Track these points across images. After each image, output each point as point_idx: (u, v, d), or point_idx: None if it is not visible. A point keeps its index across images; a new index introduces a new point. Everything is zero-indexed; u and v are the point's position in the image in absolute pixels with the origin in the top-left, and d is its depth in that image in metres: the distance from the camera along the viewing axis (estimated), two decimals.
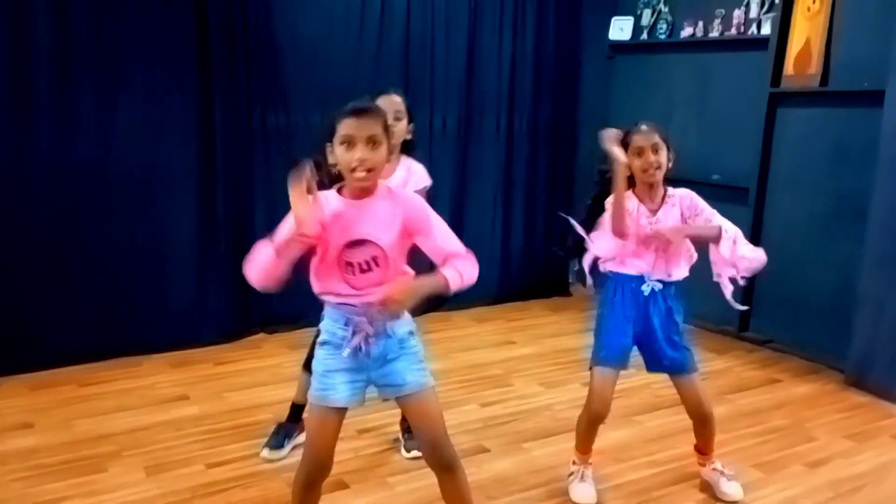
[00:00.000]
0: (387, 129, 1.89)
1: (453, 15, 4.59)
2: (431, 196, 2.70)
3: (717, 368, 3.94)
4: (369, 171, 1.83)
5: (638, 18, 5.03)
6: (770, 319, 4.35)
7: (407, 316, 1.98)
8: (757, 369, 3.96)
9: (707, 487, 2.68)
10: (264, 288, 1.90)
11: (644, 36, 4.99)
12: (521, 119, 4.96)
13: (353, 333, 1.90)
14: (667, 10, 4.87)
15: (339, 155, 1.85)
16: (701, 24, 4.64)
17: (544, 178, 5.14)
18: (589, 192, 2.66)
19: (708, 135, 4.70)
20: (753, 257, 2.50)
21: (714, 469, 2.69)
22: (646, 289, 2.48)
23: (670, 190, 2.56)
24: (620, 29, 5.12)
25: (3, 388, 3.37)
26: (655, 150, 2.44)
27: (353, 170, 1.83)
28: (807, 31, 4.08)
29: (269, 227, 4.44)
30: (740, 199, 4.37)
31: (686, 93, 4.82)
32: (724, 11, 4.52)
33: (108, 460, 2.77)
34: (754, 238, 4.30)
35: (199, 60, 3.85)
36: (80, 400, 3.31)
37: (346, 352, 1.90)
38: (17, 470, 2.68)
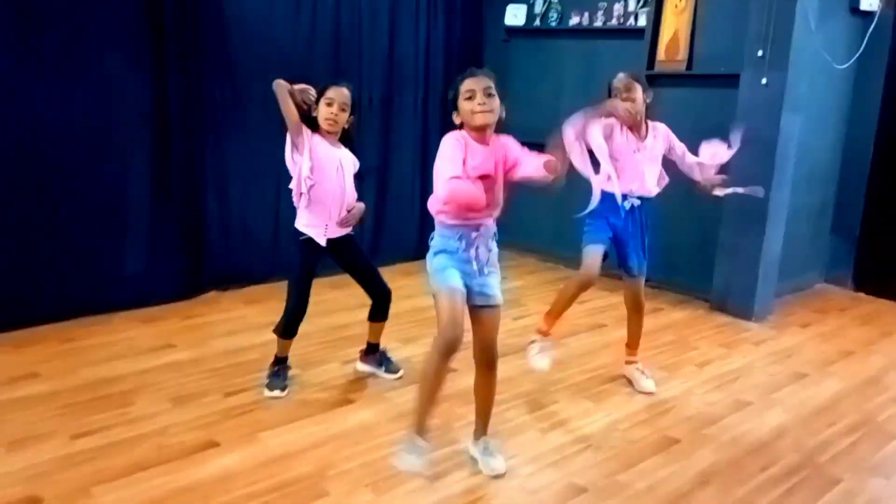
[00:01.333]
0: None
1: (376, 5, 5.10)
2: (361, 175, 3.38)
3: (612, 302, 4.76)
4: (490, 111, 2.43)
5: (531, 7, 5.73)
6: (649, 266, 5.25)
7: (493, 224, 2.54)
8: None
9: (629, 384, 3.46)
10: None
11: (537, 22, 5.72)
12: (434, 95, 5.54)
13: (467, 245, 2.45)
14: (556, 0, 5.61)
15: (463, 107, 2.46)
16: (587, 14, 5.42)
17: None
18: None
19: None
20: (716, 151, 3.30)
21: (637, 368, 3.46)
22: (626, 204, 3.21)
23: (651, 123, 3.29)
24: (514, 15, 5.81)
25: None
26: (628, 90, 3.19)
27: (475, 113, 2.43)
28: (675, 24, 4.96)
29: (217, 191, 4.83)
30: None
31: (574, 73, 5.59)
32: (606, 4, 5.32)
33: (132, 395, 3.11)
34: None
35: (153, 34, 4.11)
36: (72, 352, 3.55)
37: (473, 266, 2.46)
38: (49, 409, 2.96)
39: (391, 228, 5.47)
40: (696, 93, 4.93)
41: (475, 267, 2.49)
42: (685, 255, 5.04)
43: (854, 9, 5.00)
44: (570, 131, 2.71)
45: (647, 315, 4.47)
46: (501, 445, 2.76)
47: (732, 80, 4.57)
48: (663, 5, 5.01)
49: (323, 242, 3.13)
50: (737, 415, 3.20)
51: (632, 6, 5.20)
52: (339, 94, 3.09)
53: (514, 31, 5.88)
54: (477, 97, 2.42)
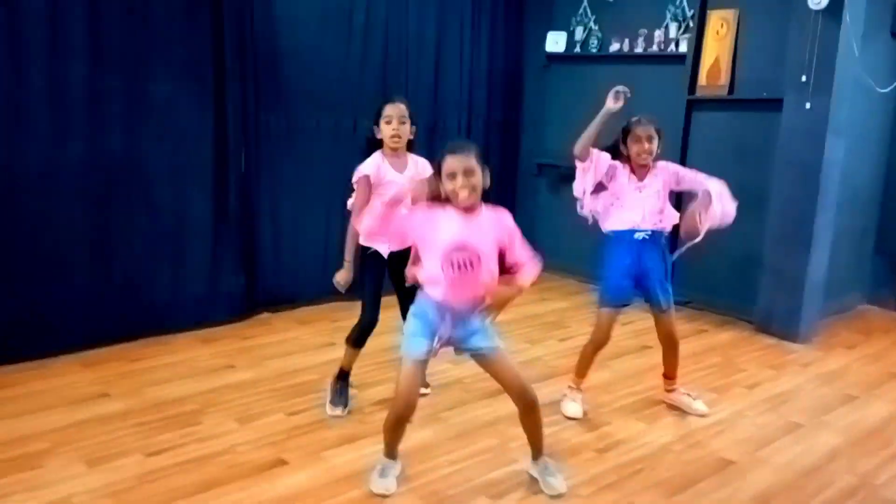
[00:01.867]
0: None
1: (423, 32, 5.25)
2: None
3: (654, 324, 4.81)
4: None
5: (571, 34, 5.85)
6: (688, 285, 5.29)
7: (482, 312, 2.52)
8: (686, 323, 4.86)
9: (676, 408, 3.50)
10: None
11: (577, 49, 5.83)
12: (477, 119, 5.68)
13: (440, 320, 2.50)
14: (597, 27, 5.73)
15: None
16: (627, 40, 5.52)
17: (497, 169, 5.86)
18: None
19: None
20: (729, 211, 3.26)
21: (681, 393, 3.51)
22: (638, 236, 3.24)
23: (656, 163, 3.32)
24: (555, 42, 5.93)
25: (58, 367, 3.69)
26: (650, 140, 3.21)
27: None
28: (716, 49, 5.04)
29: (271, 214, 4.95)
30: None
31: None
32: (646, 31, 5.42)
33: (199, 415, 3.23)
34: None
35: (215, 68, 4.28)
36: (138, 373, 3.69)
37: (435, 346, 2.52)
38: (122, 427, 3.09)
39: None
40: (737, 117, 5.01)
41: (443, 337, 2.53)
42: (727, 275, 5.09)
43: (895, 33, 5.05)
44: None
45: (692, 336, 4.60)
46: (560, 465, 2.83)
47: (774, 104, 4.64)
48: (705, 31, 5.10)
49: (385, 254, 3.20)
50: (789, 437, 3.24)
51: (673, 32, 5.29)
52: (396, 109, 3.19)
53: (554, 57, 6.00)
54: (458, 178, 2.41)
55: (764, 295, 4.75)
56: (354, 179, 3.21)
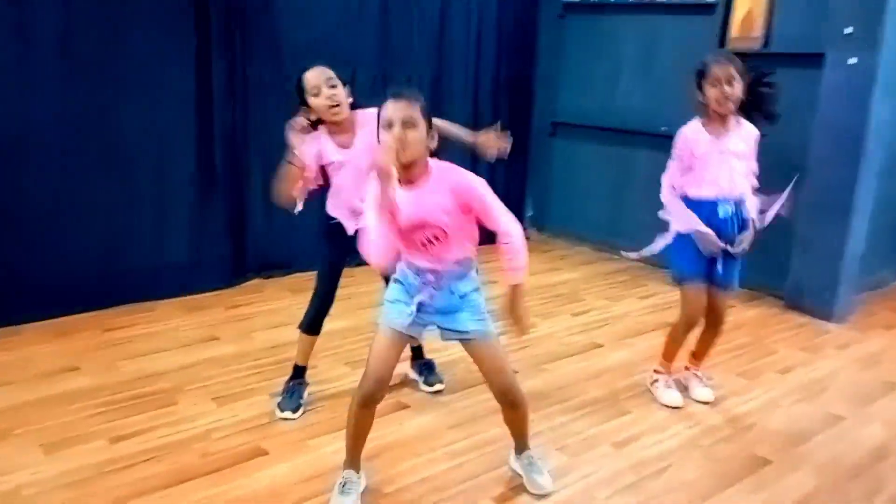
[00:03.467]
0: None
1: None
2: None
3: (677, 298, 4.46)
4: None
5: None
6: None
7: (472, 276, 2.20)
8: (650, 313, 4.28)
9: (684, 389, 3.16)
10: (389, 266, 2.17)
11: None
12: (485, 76, 5.26)
13: (421, 284, 2.15)
14: None
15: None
16: None
17: (506, 129, 5.46)
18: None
19: (656, 90, 5.16)
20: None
21: (695, 374, 3.16)
22: (721, 212, 2.81)
23: (742, 121, 2.85)
24: None
25: (27, 336, 3.39)
26: (730, 82, 2.69)
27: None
28: None
29: (264, 176, 4.61)
30: None
31: (635, 52, 5.25)
32: None
33: (175, 394, 2.92)
34: None
35: (197, 16, 3.89)
36: (114, 343, 3.39)
37: (412, 308, 2.15)
38: (88, 407, 2.80)
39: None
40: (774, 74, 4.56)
41: (427, 307, 2.17)
42: (756, 247, 4.69)
43: None
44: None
45: None
46: (547, 457, 2.53)
47: (815, 59, 4.20)
48: None
49: (351, 231, 2.68)
50: (830, 431, 2.90)
51: None
52: (319, 73, 2.61)
53: (570, 6, 5.54)
54: (395, 127, 2.00)
55: (795, 268, 4.37)
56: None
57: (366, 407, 2.21)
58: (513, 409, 2.33)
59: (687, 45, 4.94)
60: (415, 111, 2.03)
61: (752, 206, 2.90)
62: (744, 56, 4.56)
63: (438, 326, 2.23)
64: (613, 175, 5.51)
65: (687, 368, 3.20)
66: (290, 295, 4.12)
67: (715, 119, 2.80)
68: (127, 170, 3.81)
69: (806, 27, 4.34)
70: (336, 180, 2.73)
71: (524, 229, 5.61)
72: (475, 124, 5.20)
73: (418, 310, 2.17)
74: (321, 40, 4.34)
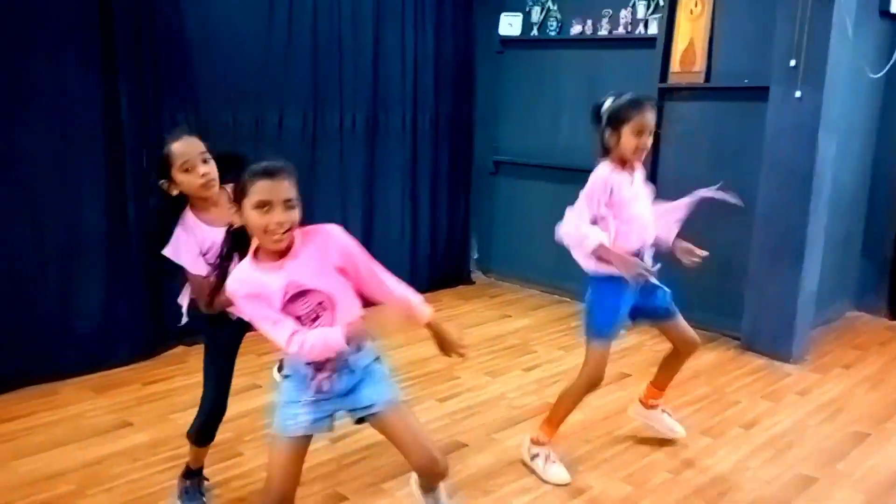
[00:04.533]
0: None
1: (359, 16, 4.55)
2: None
3: (630, 344, 4.25)
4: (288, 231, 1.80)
5: (527, 15, 5.23)
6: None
7: (368, 346, 1.97)
8: (665, 342, 4.30)
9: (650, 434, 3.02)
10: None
11: (534, 32, 5.21)
12: (424, 116, 5.02)
13: (316, 371, 1.90)
14: (555, 8, 5.11)
15: (253, 219, 1.79)
16: (590, 22, 4.92)
17: (446, 171, 5.24)
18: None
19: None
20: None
21: (662, 412, 3.00)
22: (647, 258, 2.63)
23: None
24: (510, 24, 5.31)
25: None
26: (651, 132, 2.51)
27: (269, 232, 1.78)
28: (690, 31, 4.47)
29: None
30: None
31: (576, 87, 5.09)
32: (611, 11, 4.83)
33: (75, 499, 2.54)
34: None
35: (103, 59, 3.55)
36: (8, 437, 2.98)
37: (310, 395, 1.91)
38: None
39: (379, 259, 4.92)
40: (716, 107, 4.44)
41: (326, 395, 1.93)
42: (710, 287, 4.53)
43: (884, 12, 4.56)
44: None
45: None
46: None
47: (758, 93, 4.10)
48: (676, 11, 4.52)
49: (236, 316, 2.20)
50: (804, 495, 2.69)
51: (641, 12, 4.71)
52: (190, 145, 2.24)
53: (508, 41, 5.37)
54: (276, 212, 1.76)
55: (750, 310, 4.22)
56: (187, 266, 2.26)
57: None
58: (438, 478, 2.08)
59: (628, 81, 4.78)
60: (292, 188, 1.80)
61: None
62: (685, 90, 4.54)
63: (345, 411, 1.97)
64: (559, 214, 5.27)
65: (651, 406, 3.00)
66: None
67: (621, 165, 2.59)
68: (26, 227, 3.42)
69: (748, 61, 4.24)
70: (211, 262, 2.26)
71: (469, 272, 5.51)
72: (414, 164, 5.03)
73: (317, 401, 1.91)
74: (242, 82, 4.06)
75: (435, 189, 5.20)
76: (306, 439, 1.94)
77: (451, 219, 5.32)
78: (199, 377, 3.54)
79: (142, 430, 3.06)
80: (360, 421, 2.00)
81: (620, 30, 4.80)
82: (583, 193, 2.57)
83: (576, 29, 5.00)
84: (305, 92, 4.35)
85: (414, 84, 4.93)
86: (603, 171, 2.56)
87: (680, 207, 2.79)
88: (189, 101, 3.87)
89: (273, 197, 1.76)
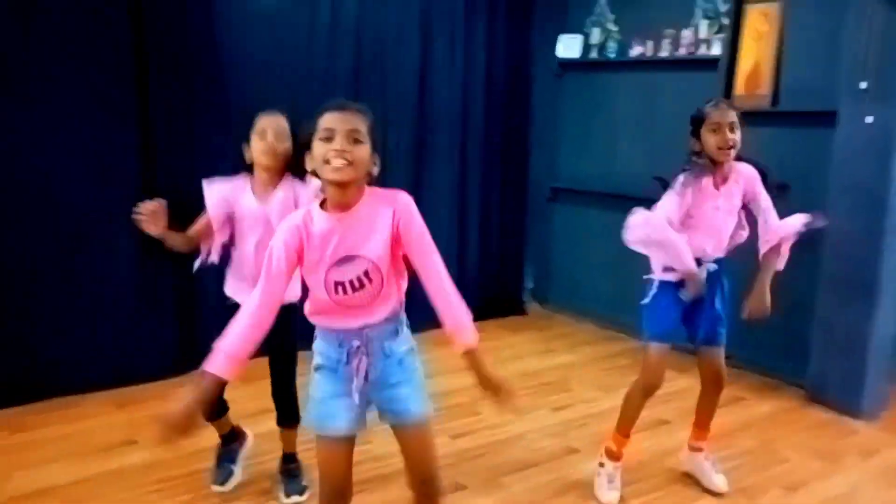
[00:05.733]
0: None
1: (405, 33, 4.47)
2: None
3: (682, 387, 3.90)
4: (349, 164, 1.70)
5: (587, 37, 5.02)
6: (728, 338, 4.36)
7: (406, 332, 1.91)
8: None
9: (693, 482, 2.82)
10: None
11: (594, 54, 4.99)
12: (473, 138, 4.88)
13: (349, 356, 1.81)
14: (616, 29, 4.88)
15: (316, 151, 1.72)
16: (651, 43, 4.66)
17: (498, 195, 5.07)
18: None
19: (656, 152, 4.70)
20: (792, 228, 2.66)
21: (706, 458, 2.81)
22: (702, 271, 2.56)
23: (736, 165, 2.58)
24: (568, 47, 5.11)
25: None
26: (732, 129, 2.47)
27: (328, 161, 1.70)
28: (756, 52, 4.14)
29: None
30: None
31: (634, 110, 4.83)
32: (673, 31, 4.56)
33: None
34: None
35: (138, 86, 3.62)
36: (12, 449, 3.01)
37: (345, 387, 1.83)
38: None
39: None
40: (782, 133, 4.06)
41: (361, 383, 1.83)
42: (775, 328, 4.11)
43: None
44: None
45: (725, 406, 3.65)
46: None
47: (827, 117, 3.72)
48: (741, 31, 4.20)
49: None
50: None
51: (704, 32, 4.41)
52: (274, 120, 2.49)
53: (567, 64, 5.17)
54: (338, 140, 1.69)
55: (816, 355, 3.80)
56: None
57: None
58: (429, 500, 1.97)
59: (688, 105, 4.49)
60: (362, 125, 1.73)
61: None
62: (749, 114, 4.19)
63: (377, 406, 1.89)
64: (617, 244, 5.00)
65: (697, 450, 2.83)
66: (239, 385, 3.70)
67: (711, 169, 2.54)
68: (61, 242, 3.50)
69: (817, 81, 3.87)
70: (240, 244, 2.51)
71: (523, 302, 5.28)
72: (462, 187, 4.89)
73: (351, 393, 1.83)
74: (280, 104, 4.02)
75: (486, 213, 5.03)
76: (345, 439, 1.88)
77: (502, 245, 5.13)
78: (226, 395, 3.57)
79: (143, 450, 3.03)
80: (383, 419, 1.93)
81: (682, 51, 4.51)
82: (669, 192, 2.57)
83: (636, 50, 4.74)
84: None
85: (463, 105, 4.79)
86: (685, 175, 2.55)
87: (779, 231, 2.67)
88: (223, 123, 3.88)
89: (337, 126, 1.70)
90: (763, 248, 2.68)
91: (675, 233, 2.53)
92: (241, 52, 3.90)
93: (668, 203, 2.55)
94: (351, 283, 1.76)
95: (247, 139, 2.50)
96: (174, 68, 3.70)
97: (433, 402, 1.94)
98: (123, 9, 3.53)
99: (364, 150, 1.73)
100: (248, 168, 2.53)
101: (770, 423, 3.51)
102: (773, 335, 4.12)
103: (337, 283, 1.76)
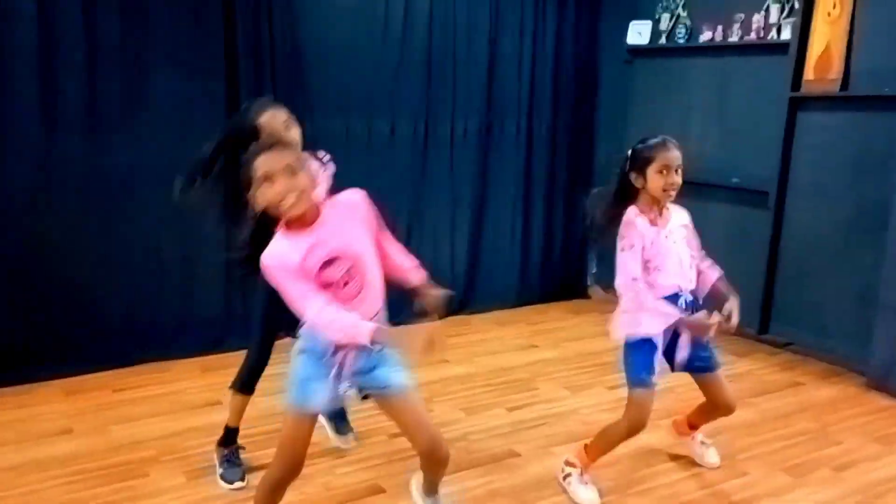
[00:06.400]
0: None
1: (474, 21, 4.63)
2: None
3: (739, 371, 3.97)
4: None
5: (656, 23, 5.04)
6: (790, 322, 4.37)
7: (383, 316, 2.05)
8: (779, 372, 3.99)
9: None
10: None
11: (663, 40, 5.01)
12: (540, 124, 5.00)
13: (335, 349, 1.96)
14: (685, 14, 4.89)
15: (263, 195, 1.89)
16: (720, 28, 4.65)
17: (563, 183, 5.17)
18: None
19: (727, 138, 4.72)
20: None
21: (697, 440, 2.92)
22: (681, 303, 2.50)
23: (670, 205, 2.56)
24: (639, 33, 5.14)
25: (39, 394, 3.44)
26: (677, 171, 2.47)
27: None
28: (827, 35, 4.10)
29: None
30: (759, 202, 4.40)
31: (705, 97, 4.84)
32: (743, 16, 4.54)
33: (148, 465, 2.82)
34: (774, 241, 4.35)
35: (227, 70, 3.91)
36: (114, 405, 3.36)
37: (328, 371, 1.97)
38: (58, 476, 2.73)
39: (487, 272, 4.96)
40: (854, 118, 4.03)
41: (345, 372, 1.99)
42: (840, 313, 4.12)
43: None
44: None
45: (782, 390, 3.74)
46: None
47: None
48: (813, 14, 4.16)
49: None
50: None
51: (774, 16, 4.38)
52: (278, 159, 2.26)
53: (637, 51, 5.20)
54: (279, 182, 1.84)
55: (881, 341, 3.77)
56: None
57: (278, 492, 2.11)
58: (442, 465, 2.17)
59: (759, 90, 4.50)
60: (290, 156, 1.91)
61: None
62: (820, 99, 4.16)
63: (358, 387, 2.08)
64: None
65: (685, 436, 2.95)
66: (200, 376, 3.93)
67: (651, 206, 2.50)
68: (155, 224, 3.82)
69: (891, 65, 3.82)
70: None
71: (586, 286, 5.38)
72: (528, 172, 5.02)
73: (331, 377, 1.98)
74: (356, 92, 4.28)
75: (550, 198, 5.15)
76: (314, 418, 2.08)
77: (567, 230, 5.24)
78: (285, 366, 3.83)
79: (227, 409, 3.32)
80: (365, 397, 2.11)
81: (752, 35, 4.49)
82: (620, 243, 2.49)
83: (706, 36, 4.74)
84: (417, 100, 4.50)
85: (531, 92, 4.92)
86: (632, 217, 2.48)
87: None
88: (304, 109, 4.14)
89: (271, 168, 1.85)
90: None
91: (648, 295, 2.46)
92: (320, 45, 4.15)
93: (625, 263, 2.46)
94: (339, 280, 1.92)
95: None
96: (259, 65, 3.97)
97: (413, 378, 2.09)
98: (219, 12, 3.82)
99: (302, 177, 1.88)
100: None
101: (829, 408, 3.53)
102: (837, 321, 4.11)
103: (329, 284, 1.91)
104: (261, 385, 2.76)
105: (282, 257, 1.89)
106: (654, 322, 2.47)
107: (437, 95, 4.56)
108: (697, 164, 4.78)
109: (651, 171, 2.46)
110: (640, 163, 2.48)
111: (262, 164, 1.87)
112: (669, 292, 2.49)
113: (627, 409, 2.58)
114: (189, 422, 3.20)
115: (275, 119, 2.52)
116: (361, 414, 3.09)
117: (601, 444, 2.67)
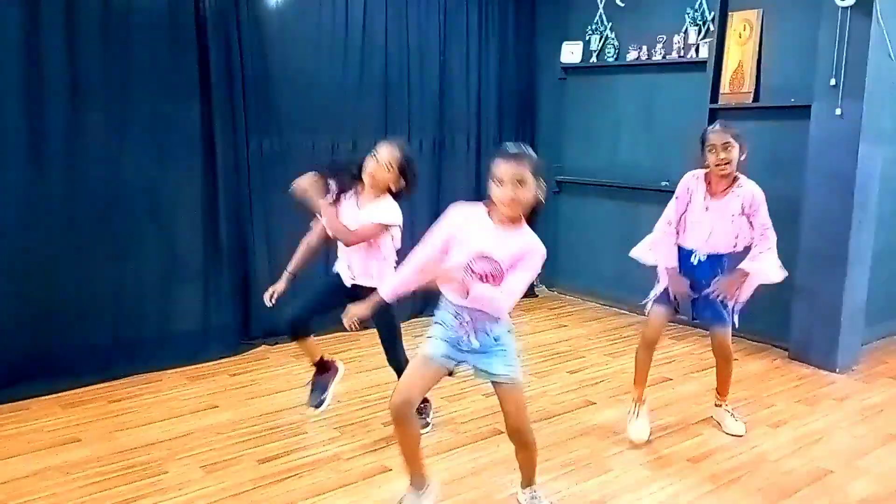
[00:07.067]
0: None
1: (425, 47, 5.03)
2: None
3: (680, 352, 4.45)
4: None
5: (587, 44, 5.55)
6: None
7: (506, 318, 2.42)
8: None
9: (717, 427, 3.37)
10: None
11: (594, 59, 5.52)
12: (487, 137, 5.41)
13: (460, 325, 2.37)
14: (613, 35, 5.41)
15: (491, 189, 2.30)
16: (645, 48, 5.19)
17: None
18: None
19: (656, 146, 5.25)
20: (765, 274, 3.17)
21: (726, 410, 3.35)
22: (693, 259, 3.14)
23: (741, 180, 3.09)
24: (571, 52, 5.64)
25: (37, 409, 3.54)
26: (726, 148, 3.00)
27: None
28: (739, 54, 4.68)
29: (267, 245, 4.70)
30: None
31: (633, 109, 5.36)
32: (665, 37, 5.09)
33: (163, 464, 3.02)
34: None
35: (202, 93, 4.13)
36: (113, 415, 3.51)
37: (452, 335, 2.38)
38: (78, 478, 2.89)
39: None
40: (764, 126, 4.61)
41: (464, 345, 2.40)
42: (761, 298, 4.63)
43: None
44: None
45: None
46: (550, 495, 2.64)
47: (804, 111, 4.26)
48: (726, 36, 4.74)
49: (348, 283, 3.18)
50: (815, 486, 2.86)
51: (693, 37, 4.95)
52: (385, 150, 3.07)
53: (570, 68, 5.70)
54: (506, 188, 2.24)
55: (798, 320, 4.34)
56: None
57: (397, 424, 2.44)
58: (523, 448, 2.53)
59: (681, 102, 5.05)
60: (525, 171, 2.26)
61: (759, 267, 3.14)
62: (735, 110, 4.73)
63: (472, 365, 2.44)
64: (619, 230, 5.55)
65: (717, 405, 3.39)
66: (294, 361, 4.24)
67: (715, 180, 3.08)
68: (134, 242, 4.01)
69: (794, 80, 4.41)
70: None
71: (533, 286, 5.81)
72: (478, 180, 5.41)
73: (454, 346, 2.39)
74: (320, 111, 4.57)
75: None
76: (436, 366, 2.43)
77: None
78: (277, 371, 4.08)
79: (226, 412, 3.55)
80: (478, 376, 2.47)
81: (674, 54, 5.05)
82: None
83: (632, 55, 5.27)
84: (376, 118, 4.84)
85: (478, 108, 5.35)
86: (688, 175, 3.16)
87: (754, 268, 3.18)
88: (273, 130, 4.42)
89: (505, 175, 2.24)
90: (744, 264, 3.14)
91: (664, 238, 3.18)
92: (289, 70, 4.45)
93: (668, 207, 3.21)
94: (480, 274, 2.27)
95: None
96: (232, 88, 4.23)
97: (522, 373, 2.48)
98: (192, 33, 4.05)
99: (526, 192, 2.26)
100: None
101: (759, 378, 4.04)
102: (760, 304, 4.65)
103: (472, 270, 2.27)
104: None
105: (463, 219, 2.36)
106: (653, 256, 3.26)
107: (394, 114, 4.91)
108: (629, 170, 5.34)
109: (707, 151, 3.04)
110: (702, 145, 3.09)
111: (500, 168, 2.26)
112: (686, 248, 3.15)
113: (645, 323, 3.35)
114: (191, 425, 3.40)
115: (383, 150, 3.09)
116: (362, 412, 3.40)
117: (636, 369, 3.28)
